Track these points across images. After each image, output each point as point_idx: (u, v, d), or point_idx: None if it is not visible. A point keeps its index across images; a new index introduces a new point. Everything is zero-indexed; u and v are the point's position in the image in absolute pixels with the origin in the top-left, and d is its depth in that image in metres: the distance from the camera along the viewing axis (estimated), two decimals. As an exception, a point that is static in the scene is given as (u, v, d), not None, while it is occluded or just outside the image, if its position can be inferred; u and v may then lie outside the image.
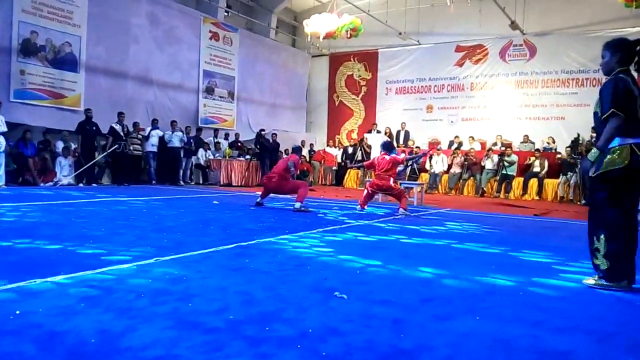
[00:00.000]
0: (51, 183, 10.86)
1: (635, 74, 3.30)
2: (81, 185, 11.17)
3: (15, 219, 5.46)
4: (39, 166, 10.85)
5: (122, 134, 12.10)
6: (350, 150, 16.86)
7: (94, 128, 11.52)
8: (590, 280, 3.35)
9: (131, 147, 12.27)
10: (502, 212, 9.14)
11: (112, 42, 12.81)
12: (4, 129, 9.66)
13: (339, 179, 16.85)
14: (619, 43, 3.33)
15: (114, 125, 12.11)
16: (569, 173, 12.65)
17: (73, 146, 11.61)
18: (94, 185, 11.27)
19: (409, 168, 14.47)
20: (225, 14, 16.60)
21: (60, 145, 11.51)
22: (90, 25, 12.22)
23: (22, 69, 10.96)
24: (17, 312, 2.30)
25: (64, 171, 11.27)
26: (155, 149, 13.02)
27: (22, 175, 10.58)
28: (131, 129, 12.40)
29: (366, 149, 16.08)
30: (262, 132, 15.23)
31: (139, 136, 12.71)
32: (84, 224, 5.34)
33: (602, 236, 3.19)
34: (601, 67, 3.43)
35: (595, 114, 3.34)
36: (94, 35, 12.32)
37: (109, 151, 11.79)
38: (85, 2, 12.06)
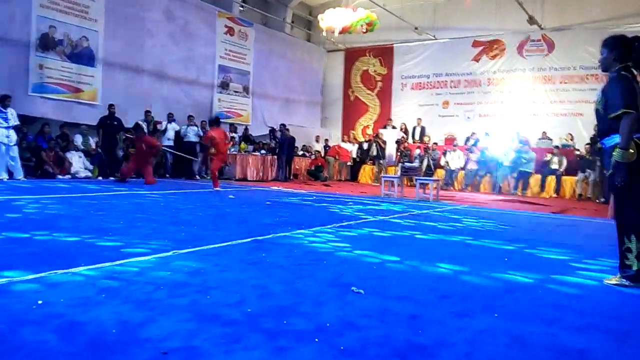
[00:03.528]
0: (69, 176, 10.99)
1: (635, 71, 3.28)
2: (100, 178, 11.31)
3: (35, 211, 5.54)
4: (57, 159, 10.98)
5: (146, 132, 12.32)
6: (365, 145, 16.82)
7: (115, 123, 11.65)
8: (612, 280, 3.31)
9: None
10: (519, 209, 9.06)
11: (129, 37, 12.92)
12: (16, 122, 9.77)
13: (354, 175, 16.83)
14: (617, 40, 3.33)
15: (140, 122, 12.30)
16: (588, 170, 12.49)
17: (91, 140, 11.76)
18: (112, 178, 11.38)
19: (425, 164, 14.41)
20: (241, 8, 16.62)
21: (78, 139, 11.67)
22: (107, 20, 12.33)
23: (40, 63, 11.10)
24: (40, 302, 2.34)
25: (82, 164, 11.41)
26: (171, 143, 13.13)
27: (41, 168, 10.72)
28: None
29: (381, 144, 16.02)
30: (281, 127, 15.22)
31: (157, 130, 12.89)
32: (102, 216, 5.40)
33: (632, 236, 3.16)
34: (599, 64, 3.44)
35: (596, 111, 3.33)
36: (111, 30, 12.42)
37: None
38: (102, -4, 12.18)
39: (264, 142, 15.74)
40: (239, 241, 4.21)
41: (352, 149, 17.36)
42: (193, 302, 2.48)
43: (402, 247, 4.38)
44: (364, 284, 2.94)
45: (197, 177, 13.59)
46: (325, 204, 8.06)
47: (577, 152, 13.33)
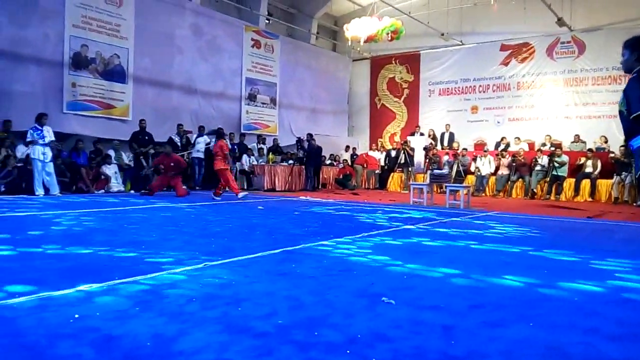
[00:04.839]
0: (103, 190, 11.25)
1: None
2: (132, 192, 11.55)
3: (71, 226, 5.68)
4: (91, 175, 11.27)
5: (179, 145, 12.62)
6: (393, 153, 16.75)
7: (147, 137, 11.91)
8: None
9: (186, 155, 12.72)
10: (553, 214, 8.87)
11: (158, 54, 13.23)
12: (52, 138, 10.06)
13: (382, 182, 16.75)
14: (638, 41, 3.29)
15: (172, 136, 12.63)
16: (624, 173, 12.15)
17: (123, 155, 12.07)
18: (144, 191, 11.59)
19: (454, 170, 14.25)
20: (267, 21, 16.84)
21: (111, 154, 11.96)
22: (137, 38, 12.65)
23: (73, 82, 11.45)
24: (76, 316, 2.39)
25: (115, 179, 11.69)
26: (201, 155, 13.33)
27: (76, 184, 11.01)
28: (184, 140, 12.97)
29: (409, 151, 15.92)
30: (308, 137, 15.30)
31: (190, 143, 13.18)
32: (135, 230, 5.51)
33: None
34: (621, 66, 3.39)
35: (620, 112, 3.28)
36: (141, 47, 12.74)
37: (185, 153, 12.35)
38: (132, 15, 12.51)
39: (292, 152, 15.82)
40: (269, 252, 4.23)
41: (380, 156, 17.30)
42: (224, 314, 2.50)
43: (433, 256, 4.33)
44: (395, 294, 2.92)
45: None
46: (354, 213, 8.04)
47: (612, 155, 12.99)
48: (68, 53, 11.38)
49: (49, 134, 9.97)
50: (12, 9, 10.43)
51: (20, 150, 10.23)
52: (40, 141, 9.79)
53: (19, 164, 10.00)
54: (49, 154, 9.97)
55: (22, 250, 4.10)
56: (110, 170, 11.65)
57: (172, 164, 10.75)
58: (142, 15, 12.72)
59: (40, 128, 9.86)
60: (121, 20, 12.34)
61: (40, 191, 9.83)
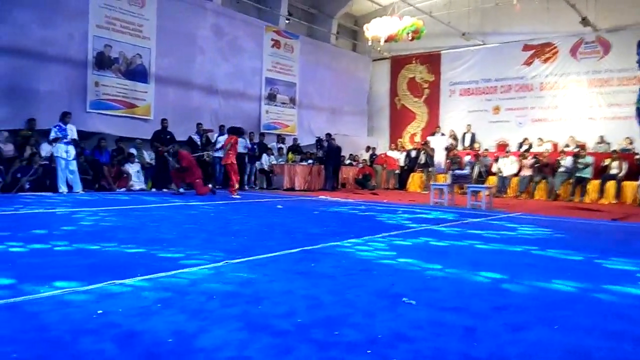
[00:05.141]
0: (125, 189, 11.39)
1: None
2: (154, 190, 11.67)
3: (93, 223, 5.76)
4: (113, 173, 11.42)
5: (199, 144, 12.70)
6: (413, 153, 16.63)
7: (168, 137, 12.03)
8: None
9: (205, 155, 12.79)
10: (577, 216, 8.71)
11: (180, 54, 13.34)
12: (75, 136, 10.20)
13: (402, 183, 16.66)
14: None
15: (192, 135, 12.73)
16: (650, 174, 11.89)
17: (145, 153, 12.19)
18: (165, 190, 11.72)
19: (476, 171, 14.10)
20: (287, 21, 16.86)
21: (133, 152, 12.10)
22: (159, 38, 12.77)
23: (96, 81, 11.60)
24: (99, 311, 2.42)
25: (136, 177, 11.82)
26: (222, 154, 13.39)
27: (98, 182, 11.16)
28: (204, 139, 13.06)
29: (430, 152, 15.81)
30: (327, 137, 15.30)
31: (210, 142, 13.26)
32: (156, 228, 5.56)
33: None
34: (638, 64, 3.31)
35: (637, 109, 3.21)
36: (163, 47, 12.86)
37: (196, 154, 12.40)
38: (154, 15, 12.63)
39: (311, 152, 15.83)
40: (288, 251, 4.23)
41: (400, 157, 17.20)
42: (244, 312, 2.51)
43: (455, 257, 4.29)
44: (416, 295, 2.90)
45: (246, 187, 13.79)
46: (373, 213, 8.00)
47: (638, 157, 12.71)
48: (92, 53, 11.54)
49: (72, 133, 10.13)
50: (39, 10, 10.62)
51: (45, 149, 10.41)
52: (65, 139, 9.94)
53: (43, 162, 10.17)
54: (72, 152, 10.12)
55: (43, 247, 4.17)
56: (133, 168, 11.79)
57: (182, 163, 10.85)
58: (164, 16, 12.84)
59: (64, 127, 10.02)
60: (144, 20, 12.48)
61: (63, 189, 9.99)
